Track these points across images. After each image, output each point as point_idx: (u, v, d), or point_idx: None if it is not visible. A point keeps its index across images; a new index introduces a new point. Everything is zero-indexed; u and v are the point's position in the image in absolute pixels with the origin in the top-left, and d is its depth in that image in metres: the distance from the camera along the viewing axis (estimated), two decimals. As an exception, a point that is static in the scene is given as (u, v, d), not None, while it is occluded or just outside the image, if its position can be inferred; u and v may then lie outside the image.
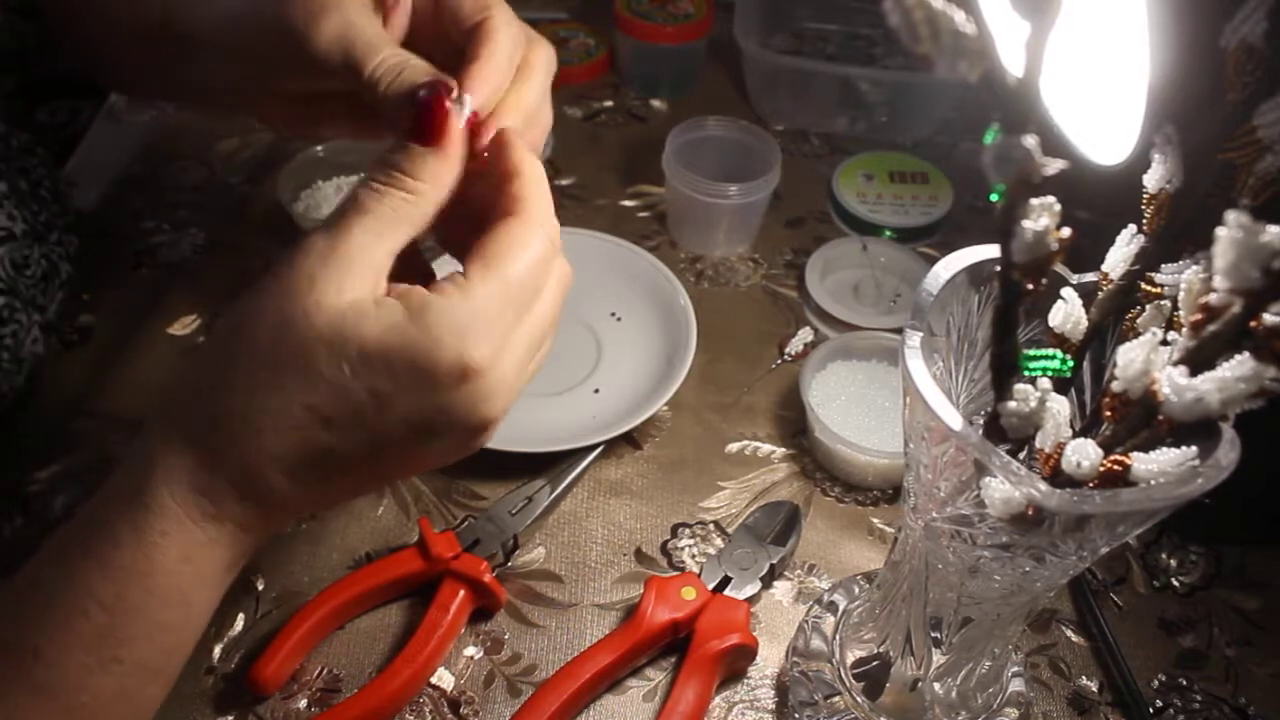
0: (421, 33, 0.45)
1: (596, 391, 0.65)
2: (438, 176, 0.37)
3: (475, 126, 0.39)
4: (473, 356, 0.34)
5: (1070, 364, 0.33)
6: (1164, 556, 0.58)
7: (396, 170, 0.37)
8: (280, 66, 0.43)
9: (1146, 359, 0.30)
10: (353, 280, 0.35)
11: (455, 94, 0.39)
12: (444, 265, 0.42)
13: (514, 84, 0.42)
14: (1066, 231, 0.27)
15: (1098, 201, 0.37)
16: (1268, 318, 0.26)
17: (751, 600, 0.53)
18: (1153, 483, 0.30)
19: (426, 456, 0.38)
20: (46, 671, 0.34)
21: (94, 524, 0.36)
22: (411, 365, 0.34)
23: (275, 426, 0.35)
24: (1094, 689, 0.53)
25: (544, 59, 0.44)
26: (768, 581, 0.55)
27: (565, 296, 0.40)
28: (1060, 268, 0.36)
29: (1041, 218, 0.27)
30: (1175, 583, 0.57)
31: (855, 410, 0.62)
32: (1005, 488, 0.31)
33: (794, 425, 0.64)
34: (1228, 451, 0.30)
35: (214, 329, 0.37)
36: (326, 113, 0.49)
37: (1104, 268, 0.35)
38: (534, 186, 0.39)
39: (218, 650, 0.52)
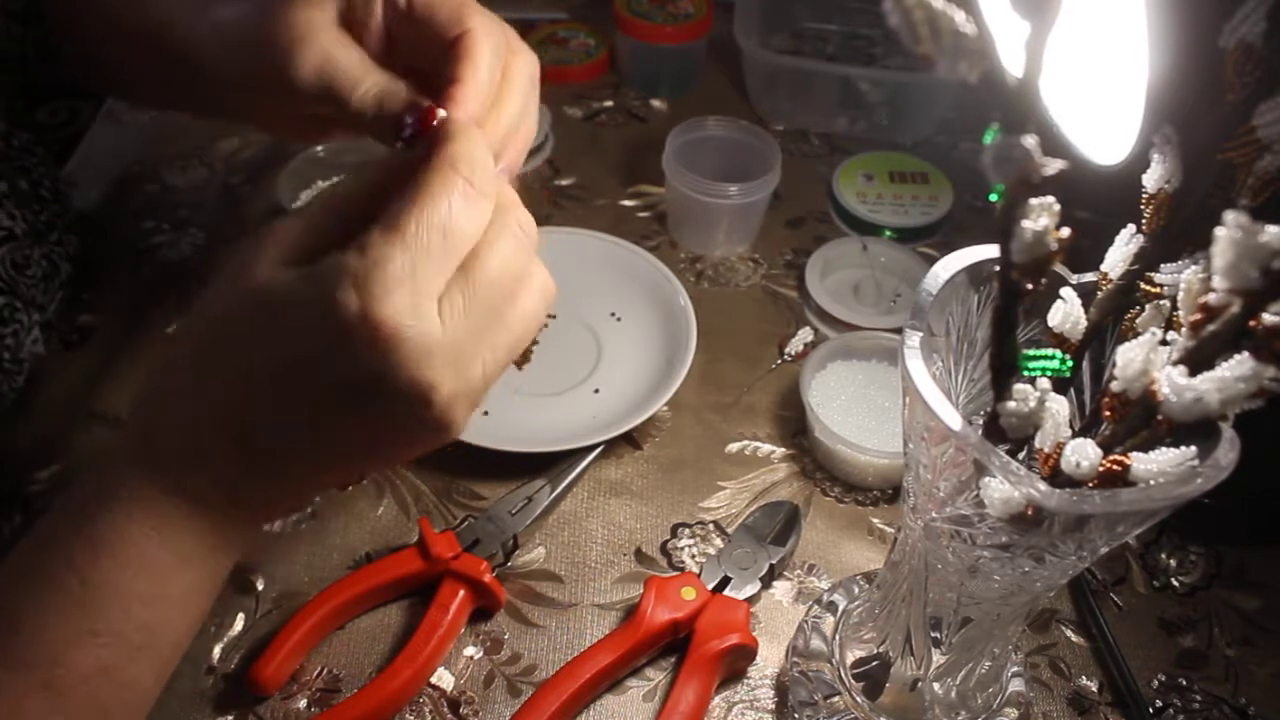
0: (397, 36, 0.45)
1: (596, 391, 0.65)
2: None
3: None
4: (377, 310, 0.33)
5: (1070, 364, 0.33)
6: (1164, 556, 0.58)
7: None
8: (270, 90, 0.44)
9: (1146, 359, 0.30)
10: (286, 252, 0.36)
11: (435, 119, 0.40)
12: None
13: (494, 102, 0.42)
14: (1066, 231, 0.27)
15: (1097, 201, 0.37)
16: (1267, 317, 0.26)
17: (751, 600, 0.53)
18: (1152, 483, 0.30)
19: (381, 434, 0.36)
20: (25, 645, 0.35)
21: (72, 502, 0.37)
22: (316, 319, 0.33)
23: (210, 390, 0.36)
24: (1094, 689, 0.53)
25: (524, 71, 0.44)
26: (767, 581, 0.55)
27: (532, 251, 0.38)
28: (1060, 268, 0.36)
29: (1041, 218, 0.27)
30: (1175, 583, 0.57)
31: (855, 410, 0.62)
32: (1005, 488, 0.31)
33: (794, 425, 0.64)
34: (1227, 451, 0.30)
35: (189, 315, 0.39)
36: (324, 122, 0.49)
37: (1103, 268, 0.35)
38: (458, 141, 0.36)
39: (218, 650, 0.52)
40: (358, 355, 0.33)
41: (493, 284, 0.36)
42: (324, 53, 0.42)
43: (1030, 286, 0.28)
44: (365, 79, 0.42)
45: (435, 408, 0.35)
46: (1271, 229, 0.24)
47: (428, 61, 0.43)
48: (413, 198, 0.34)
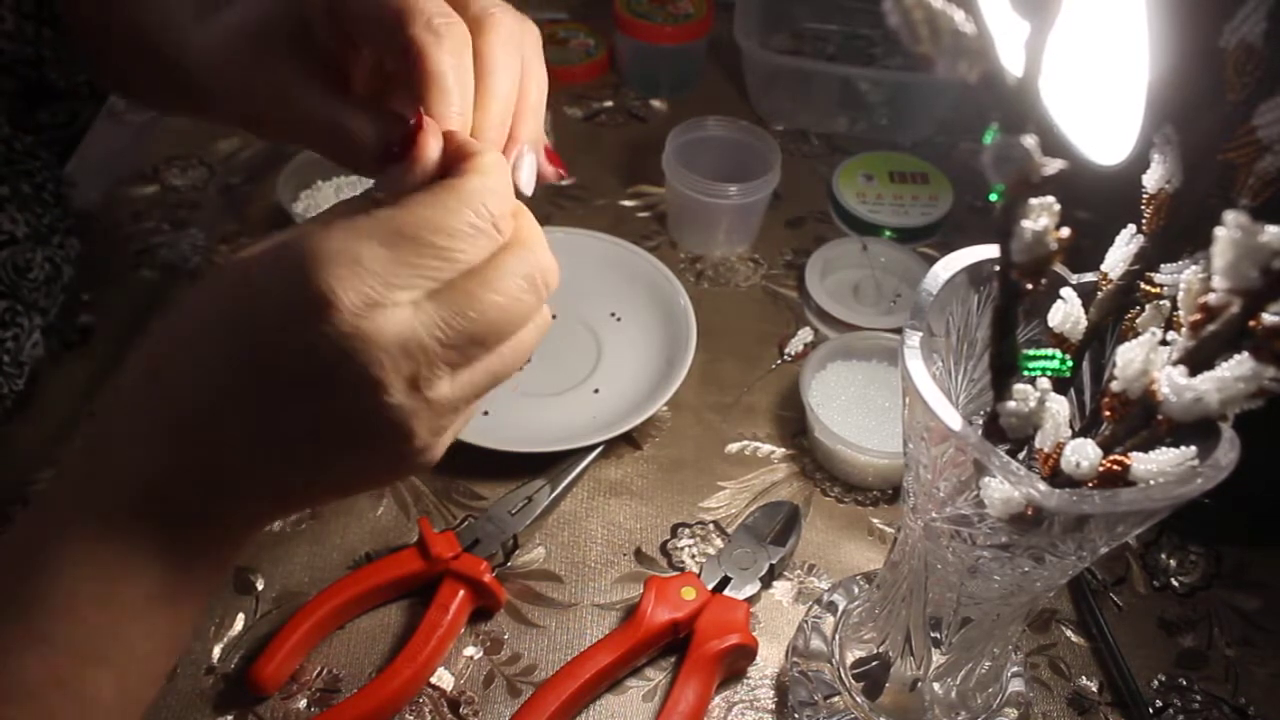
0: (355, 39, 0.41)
1: (596, 391, 0.65)
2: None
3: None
4: (332, 287, 0.30)
5: (1069, 364, 0.33)
6: (1164, 556, 0.58)
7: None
8: (284, 81, 0.41)
9: (1146, 359, 0.30)
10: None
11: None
12: None
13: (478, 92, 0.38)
14: (1066, 231, 0.27)
15: (1097, 201, 0.37)
16: (1267, 317, 0.26)
17: (751, 600, 0.53)
18: (1152, 483, 0.30)
19: (341, 450, 0.34)
20: None
21: (10, 552, 0.35)
22: (273, 287, 0.32)
23: (171, 398, 0.33)
24: (1094, 689, 0.53)
25: (498, 41, 0.39)
26: (767, 581, 0.55)
27: (543, 299, 0.35)
28: (1060, 268, 0.36)
29: (1041, 218, 0.27)
30: (1175, 583, 0.57)
31: (855, 410, 0.62)
32: (1005, 488, 0.31)
33: (794, 425, 0.64)
34: (1227, 451, 0.30)
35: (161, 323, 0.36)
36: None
37: (1103, 268, 0.35)
38: (488, 172, 0.34)
39: (217, 650, 0.52)
40: (307, 329, 0.31)
41: (488, 316, 0.33)
42: (307, 115, 0.39)
43: (1030, 286, 0.28)
44: (357, 120, 0.38)
45: (393, 415, 0.33)
46: (1271, 229, 0.24)
47: (392, 55, 0.38)
48: (415, 207, 0.32)
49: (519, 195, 0.39)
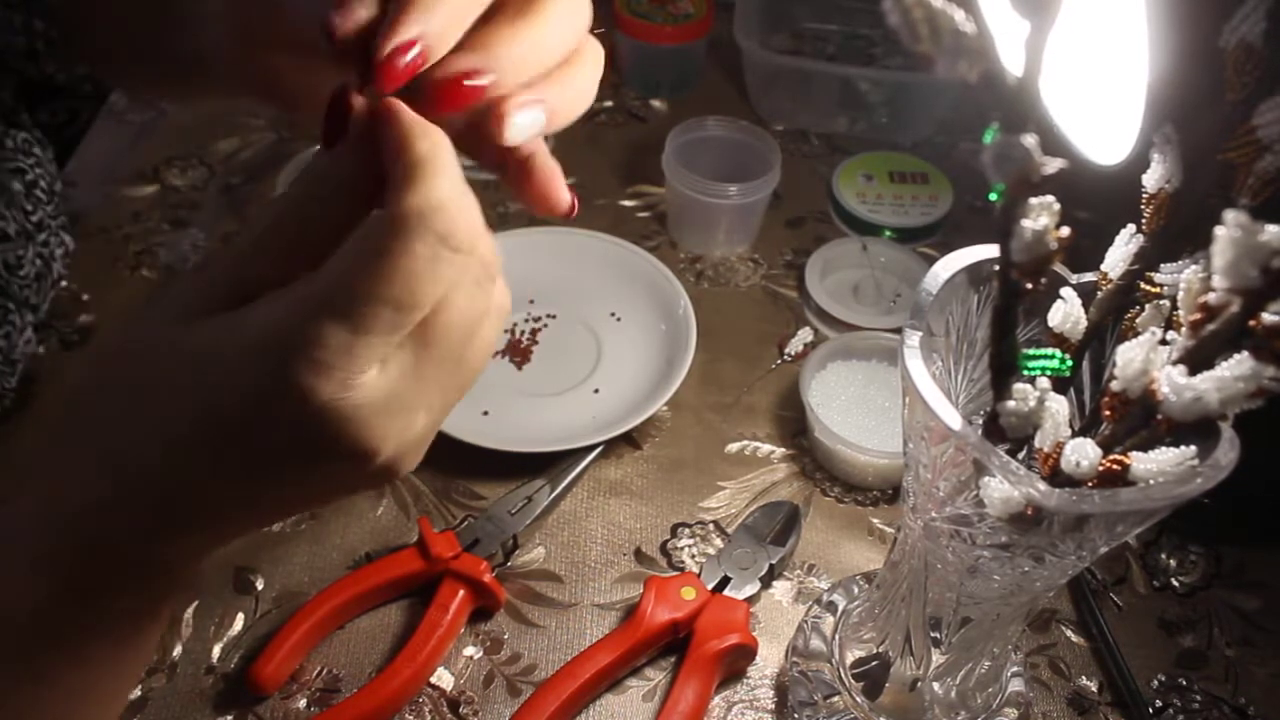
0: None
1: (596, 391, 0.65)
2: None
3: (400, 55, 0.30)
4: (307, 386, 0.29)
5: (1069, 364, 0.33)
6: (1164, 556, 0.58)
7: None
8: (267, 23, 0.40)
9: (1145, 358, 0.30)
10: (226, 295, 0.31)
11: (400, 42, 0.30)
12: None
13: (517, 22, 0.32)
14: (1066, 231, 0.27)
15: (1097, 201, 0.37)
16: (1266, 317, 0.26)
17: (751, 600, 0.53)
18: (1152, 482, 0.30)
19: (317, 491, 0.33)
20: None
21: None
22: (241, 380, 0.29)
23: (125, 450, 0.31)
24: (1094, 689, 0.53)
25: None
26: (767, 581, 0.55)
27: (493, 287, 0.32)
28: (1060, 268, 0.36)
29: (1041, 217, 0.27)
30: (1175, 583, 0.57)
31: (855, 410, 0.62)
32: (1004, 487, 0.31)
33: (794, 425, 0.64)
34: (1227, 451, 0.30)
35: (89, 354, 0.33)
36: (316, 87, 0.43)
37: (1103, 268, 0.35)
38: (430, 178, 0.29)
39: (217, 650, 0.52)
40: (287, 423, 0.29)
41: (449, 339, 0.31)
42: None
43: (1030, 286, 0.28)
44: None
45: (376, 466, 0.31)
46: (1271, 228, 0.24)
47: None
48: (363, 262, 0.28)
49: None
